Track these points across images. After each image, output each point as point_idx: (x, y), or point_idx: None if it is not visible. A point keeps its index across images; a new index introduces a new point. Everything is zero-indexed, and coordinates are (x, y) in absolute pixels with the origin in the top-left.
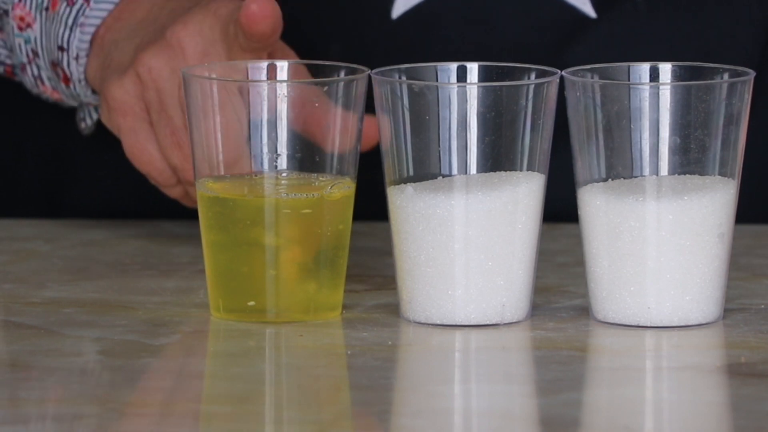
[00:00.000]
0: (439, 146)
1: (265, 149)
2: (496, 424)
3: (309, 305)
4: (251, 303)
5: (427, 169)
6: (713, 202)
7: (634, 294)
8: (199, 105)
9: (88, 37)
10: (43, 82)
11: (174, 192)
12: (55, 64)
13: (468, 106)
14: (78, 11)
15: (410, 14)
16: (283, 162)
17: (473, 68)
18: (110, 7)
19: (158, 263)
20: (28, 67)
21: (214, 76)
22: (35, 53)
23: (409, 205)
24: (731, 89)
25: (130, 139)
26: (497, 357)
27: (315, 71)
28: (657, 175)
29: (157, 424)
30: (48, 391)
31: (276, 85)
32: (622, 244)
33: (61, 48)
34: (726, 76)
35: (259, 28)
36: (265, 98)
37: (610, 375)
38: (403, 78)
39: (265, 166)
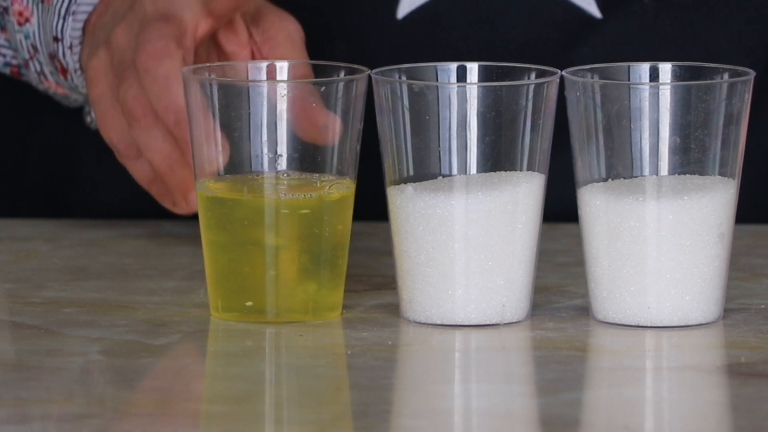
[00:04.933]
0: (439, 146)
1: (265, 149)
2: (496, 424)
3: (309, 305)
4: (249, 303)
5: (427, 169)
6: (713, 202)
7: (634, 294)
8: (199, 105)
9: (80, 25)
10: (46, 78)
11: (138, 169)
12: (53, 56)
13: (468, 106)
14: (70, 0)
15: (415, 14)
16: (283, 162)
17: (473, 68)
18: None
19: (158, 263)
20: (30, 63)
21: (213, 76)
22: (35, 48)
23: (409, 205)
24: (731, 89)
25: (97, 106)
26: (497, 357)
27: (315, 71)
28: (657, 175)
29: (157, 424)
30: (48, 391)
31: (276, 85)
32: (622, 244)
33: (56, 39)
34: (726, 76)
35: (225, 4)
36: (265, 98)
37: (610, 375)
38: (403, 78)
39: (265, 166)
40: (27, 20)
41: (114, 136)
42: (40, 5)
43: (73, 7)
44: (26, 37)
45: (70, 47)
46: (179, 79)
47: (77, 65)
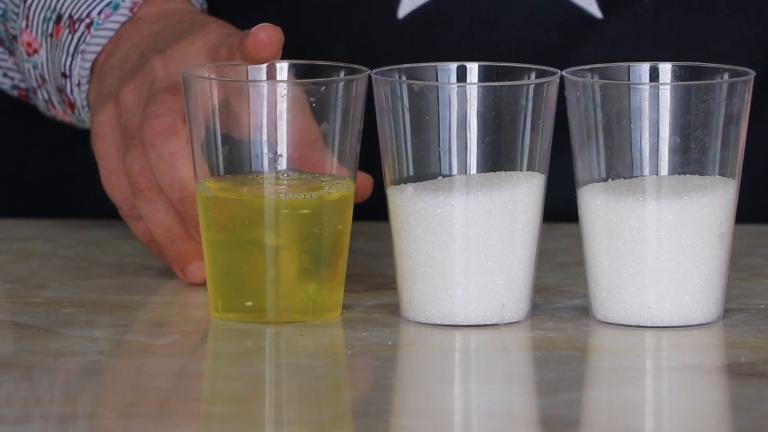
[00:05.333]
0: (439, 146)
1: (265, 149)
2: (496, 424)
3: (309, 305)
4: (249, 303)
5: (427, 169)
6: (713, 202)
7: (634, 294)
8: (199, 105)
9: (88, 65)
10: (54, 106)
11: (140, 229)
12: (61, 90)
13: (468, 106)
14: (79, 39)
15: (416, 14)
16: (283, 162)
17: (473, 68)
18: (110, 34)
19: (158, 263)
20: (38, 92)
21: (213, 76)
22: (43, 78)
23: (409, 205)
24: (731, 89)
25: (102, 162)
26: (497, 357)
27: (315, 71)
28: (657, 175)
29: (157, 424)
30: (48, 391)
31: (276, 85)
32: (622, 244)
33: (64, 75)
34: (726, 76)
35: (264, 56)
36: (265, 98)
37: (610, 375)
38: (403, 78)
39: (265, 166)
40: (36, 51)
41: (118, 195)
42: (49, 39)
43: (82, 46)
44: (34, 67)
45: (78, 85)
46: (186, 155)
47: (85, 102)
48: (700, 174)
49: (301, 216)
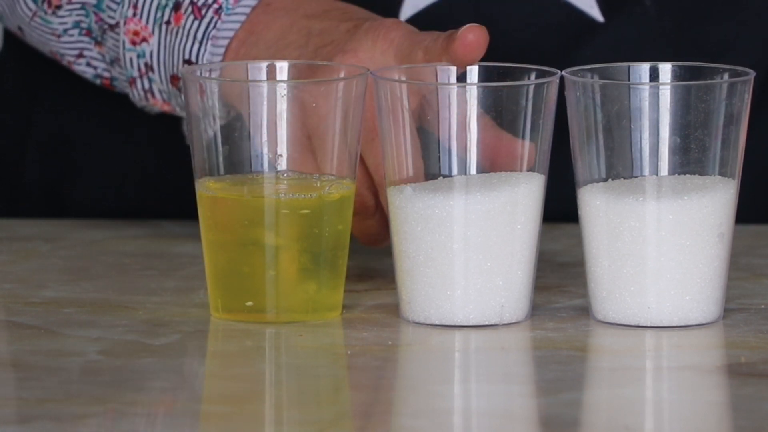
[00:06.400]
0: (439, 146)
1: (265, 149)
2: (496, 424)
3: (309, 305)
4: (249, 303)
5: (427, 169)
6: (713, 202)
7: (634, 294)
8: (198, 105)
9: (221, 50)
10: (153, 95)
11: (368, 224)
12: (177, 78)
13: (468, 106)
14: (208, 25)
15: (418, 17)
16: (283, 162)
17: (473, 68)
18: (242, 19)
19: (158, 263)
20: (138, 81)
21: (213, 76)
22: (149, 67)
23: (408, 206)
24: (731, 89)
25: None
26: (497, 357)
27: (315, 71)
28: (657, 175)
29: (157, 424)
30: (48, 391)
31: (276, 85)
32: (622, 244)
33: (188, 61)
34: (726, 76)
35: (473, 57)
36: (265, 98)
37: (610, 375)
38: (403, 78)
39: (265, 166)
40: (144, 40)
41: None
42: (164, 26)
43: (212, 32)
44: (140, 56)
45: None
46: None
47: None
48: (700, 174)
49: (301, 216)
